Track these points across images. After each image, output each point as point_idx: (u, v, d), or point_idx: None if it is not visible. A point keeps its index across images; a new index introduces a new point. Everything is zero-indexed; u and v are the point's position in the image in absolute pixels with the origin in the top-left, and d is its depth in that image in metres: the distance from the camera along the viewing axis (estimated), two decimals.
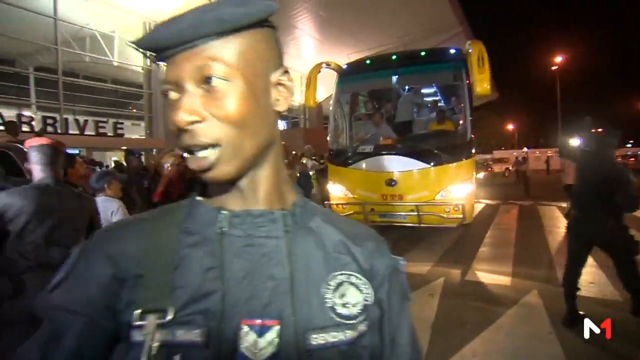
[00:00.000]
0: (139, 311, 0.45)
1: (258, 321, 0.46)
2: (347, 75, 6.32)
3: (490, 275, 4.44)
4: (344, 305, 0.51)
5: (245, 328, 0.46)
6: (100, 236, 0.52)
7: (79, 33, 11.06)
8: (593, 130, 3.50)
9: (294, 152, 7.52)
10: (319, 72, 6.04)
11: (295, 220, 0.54)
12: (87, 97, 11.84)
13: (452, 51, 5.91)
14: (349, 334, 0.50)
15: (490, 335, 2.98)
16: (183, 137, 0.46)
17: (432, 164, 5.20)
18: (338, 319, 0.50)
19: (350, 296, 0.52)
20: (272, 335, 0.46)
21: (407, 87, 7.07)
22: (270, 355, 0.46)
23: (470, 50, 5.18)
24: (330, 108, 6.49)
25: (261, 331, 0.46)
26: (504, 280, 4.27)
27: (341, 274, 0.53)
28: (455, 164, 5.18)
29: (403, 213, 5.28)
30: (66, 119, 10.16)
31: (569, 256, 3.25)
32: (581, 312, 3.09)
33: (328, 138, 6.28)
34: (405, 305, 0.59)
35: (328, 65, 6.22)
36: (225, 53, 0.46)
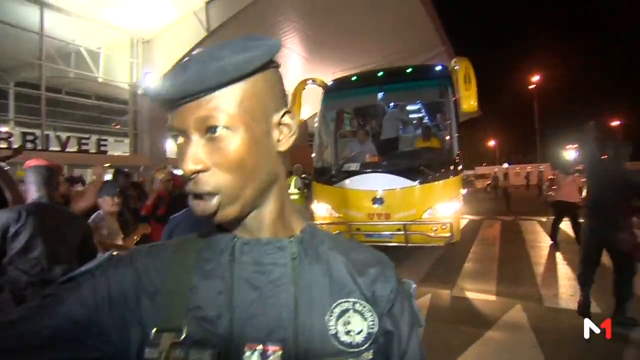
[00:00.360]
0: (154, 329, 0.49)
1: (261, 346, 0.49)
2: (333, 91, 6.24)
3: (475, 292, 4.51)
4: (347, 332, 0.52)
5: (249, 352, 0.48)
6: (133, 251, 0.57)
7: (64, 49, 10.98)
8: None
9: None
10: (304, 88, 5.98)
11: (303, 247, 0.56)
12: (69, 113, 11.68)
13: (438, 68, 5.92)
14: None
15: (477, 352, 3.03)
16: (189, 183, 0.50)
17: (418, 181, 5.10)
18: (341, 347, 0.51)
19: (355, 324, 0.53)
20: (269, 358, 0.49)
21: (392, 104, 6.97)
22: None
23: (456, 67, 5.17)
24: (315, 125, 6.38)
25: (264, 356, 0.48)
26: (489, 296, 4.34)
27: (346, 302, 0.54)
28: (442, 181, 5.09)
29: (390, 232, 5.14)
30: (47, 135, 9.97)
31: (584, 263, 3.40)
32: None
33: (313, 155, 6.14)
34: (415, 331, 0.59)
35: (313, 81, 6.18)
36: (227, 103, 0.48)
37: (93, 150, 10.60)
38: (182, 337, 0.48)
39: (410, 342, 0.57)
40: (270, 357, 0.48)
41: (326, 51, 14.07)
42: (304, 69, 14.34)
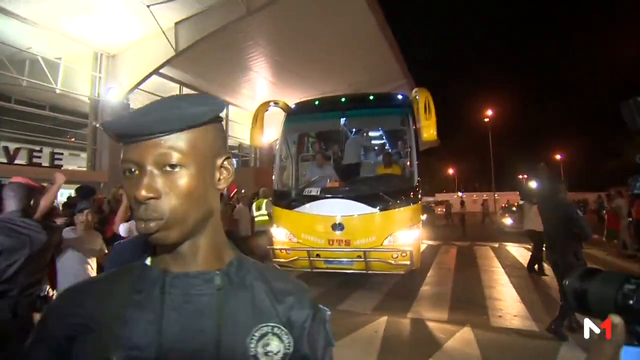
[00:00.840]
0: None
1: None
2: (295, 114, 6.19)
3: (430, 313, 4.70)
4: (266, 353, 0.59)
5: None
6: (62, 298, 0.63)
7: (17, 55, 10.49)
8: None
9: (242, 191, 7.49)
10: (267, 110, 5.91)
11: (229, 278, 0.63)
12: (20, 124, 11.04)
13: (400, 97, 6.04)
14: None
15: None
16: (139, 208, 0.56)
17: (379, 208, 5.05)
18: None
19: (273, 345, 0.60)
20: None
21: (354, 130, 6.95)
22: None
23: (417, 97, 5.22)
24: (277, 147, 6.32)
25: None
26: (442, 316, 4.53)
27: (266, 326, 0.61)
28: (402, 208, 5.06)
29: (349, 259, 5.07)
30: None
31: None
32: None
33: (273, 178, 6.06)
34: (328, 352, 0.67)
35: (276, 103, 6.13)
36: (182, 144, 0.56)
37: (46, 164, 10.00)
38: None
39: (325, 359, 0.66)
40: None
41: (293, 77, 14.43)
42: (271, 94, 14.58)
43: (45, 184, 2.67)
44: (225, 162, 0.63)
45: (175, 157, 0.56)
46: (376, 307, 4.93)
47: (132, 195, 0.56)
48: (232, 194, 7.34)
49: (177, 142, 0.56)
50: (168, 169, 0.56)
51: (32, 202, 2.20)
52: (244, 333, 0.60)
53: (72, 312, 0.59)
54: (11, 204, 2.09)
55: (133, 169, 0.57)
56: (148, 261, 0.64)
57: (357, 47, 13.23)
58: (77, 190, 4.89)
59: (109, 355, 0.54)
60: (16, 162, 9.58)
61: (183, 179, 0.57)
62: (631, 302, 0.50)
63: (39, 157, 9.95)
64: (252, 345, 0.59)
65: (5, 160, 9.39)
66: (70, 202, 5.48)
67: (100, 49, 11.49)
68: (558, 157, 45.79)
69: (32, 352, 0.59)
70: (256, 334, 0.60)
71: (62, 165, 10.44)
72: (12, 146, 9.85)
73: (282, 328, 0.62)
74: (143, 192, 0.54)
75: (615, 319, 0.50)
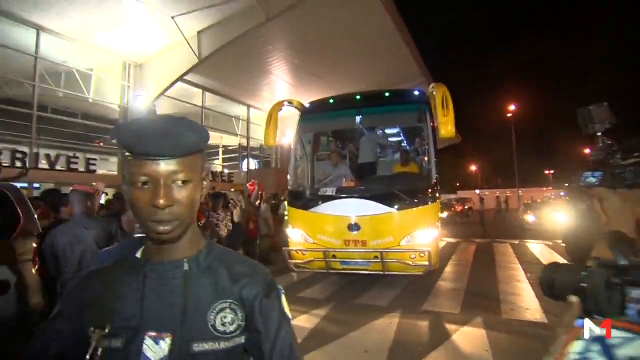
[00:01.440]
0: (92, 328, 0.74)
1: (155, 333, 0.72)
2: (310, 113, 6.13)
3: (444, 306, 4.91)
4: (222, 324, 0.75)
5: (148, 338, 0.72)
6: (77, 282, 0.83)
7: (54, 68, 11.27)
8: None
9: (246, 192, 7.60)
10: (280, 109, 5.85)
11: (197, 263, 0.80)
12: (58, 131, 11.85)
13: (416, 93, 5.89)
14: (224, 344, 0.74)
15: (438, 355, 3.40)
16: (157, 213, 0.71)
17: (396, 208, 4.94)
18: (216, 334, 0.74)
19: (228, 318, 0.76)
20: (166, 342, 0.72)
21: (370, 128, 6.67)
22: (164, 355, 0.71)
23: (434, 93, 5.08)
24: (292, 147, 6.28)
25: (157, 340, 0.72)
26: (454, 309, 4.74)
27: (224, 302, 0.77)
28: (420, 207, 4.93)
29: (366, 260, 5.01)
30: (36, 153, 10.12)
31: None
32: None
33: (288, 178, 5.99)
34: (284, 325, 0.80)
35: (290, 103, 6.07)
36: (189, 164, 0.73)
37: (82, 169, 10.72)
38: (106, 331, 0.73)
39: (279, 334, 0.79)
40: (161, 341, 0.72)
41: (312, 79, 14.73)
42: (291, 95, 14.90)
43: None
44: (206, 178, 0.82)
45: (185, 175, 0.73)
46: (392, 301, 5.16)
47: (151, 202, 0.71)
48: (261, 194, 7.57)
49: (186, 163, 0.73)
50: (179, 183, 0.73)
51: (89, 204, 2.64)
52: (205, 307, 0.76)
53: (82, 293, 0.79)
54: (76, 208, 2.59)
55: (145, 181, 0.71)
56: (138, 254, 0.82)
57: (375, 48, 13.40)
58: (114, 195, 5.43)
59: (104, 323, 0.73)
60: (57, 167, 10.32)
61: (189, 191, 0.74)
62: (584, 284, 0.66)
63: (76, 162, 10.66)
64: (212, 317, 0.75)
65: (47, 166, 10.14)
66: (108, 204, 5.98)
67: (128, 59, 12.18)
68: (587, 151, 44.26)
69: (55, 321, 0.79)
70: (216, 308, 0.76)
71: (95, 170, 11.14)
72: (49, 152, 10.62)
73: (237, 303, 0.78)
74: (163, 201, 0.70)
75: (573, 298, 0.67)
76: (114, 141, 0.74)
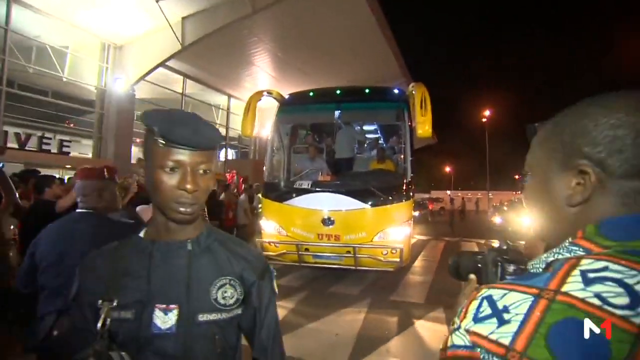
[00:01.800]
0: (100, 300, 0.80)
1: (164, 305, 0.80)
2: (289, 105, 6.08)
3: (411, 297, 5.23)
4: (223, 297, 0.85)
5: (157, 310, 0.80)
6: (89, 258, 0.89)
7: (25, 42, 10.78)
8: None
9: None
10: (259, 99, 5.82)
11: (198, 244, 0.88)
12: (27, 110, 11.36)
13: (396, 91, 5.92)
14: (224, 315, 0.84)
15: (402, 339, 3.69)
16: (183, 195, 0.80)
17: (370, 204, 4.99)
18: (218, 306, 0.84)
19: (229, 292, 0.86)
20: (173, 313, 0.80)
21: (348, 123, 6.65)
22: (172, 325, 0.80)
23: (413, 92, 5.16)
24: (269, 138, 6.21)
25: (166, 311, 0.80)
26: (420, 300, 5.06)
27: (224, 278, 0.86)
28: (394, 205, 5.00)
29: (339, 255, 5.05)
30: (5, 132, 9.72)
31: None
32: None
33: (264, 169, 5.98)
34: (272, 298, 0.93)
35: (269, 93, 6.04)
36: (212, 157, 0.83)
37: (54, 150, 10.39)
38: (115, 304, 0.79)
39: (269, 309, 0.92)
40: (169, 313, 0.80)
41: (295, 72, 14.76)
42: (272, 87, 14.84)
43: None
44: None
45: (206, 165, 0.82)
46: (362, 291, 5.44)
47: (180, 186, 0.79)
48: (241, 185, 7.63)
49: (210, 156, 0.83)
50: (202, 172, 0.82)
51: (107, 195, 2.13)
52: (207, 283, 0.84)
53: (90, 273, 0.85)
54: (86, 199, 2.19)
55: (173, 167, 0.79)
56: (142, 234, 0.90)
57: (358, 46, 13.58)
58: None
59: (113, 297, 0.79)
60: (27, 148, 9.96)
61: (208, 180, 0.84)
62: (479, 265, 0.84)
63: (49, 143, 10.32)
64: (213, 292, 0.84)
65: (16, 146, 9.77)
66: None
67: (108, 40, 11.80)
68: None
69: (71, 310, 0.88)
70: (217, 284, 0.85)
71: (69, 153, 10.82)
72: (18, 131, 10.21)
73: (237, 280, 0.87)
74: (190, 186, 0.79)
75: (472, 276, 0.84)
76: (145, 126, 0.81)
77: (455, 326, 0.51)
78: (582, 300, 0.43)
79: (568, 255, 0.51)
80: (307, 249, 5.09)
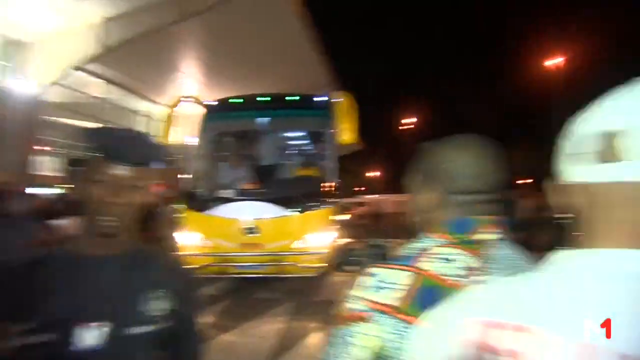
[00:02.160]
0: (11, 324, 0.77)
1: (92, 322, 0.79)
2: (213, 112, 6.02)
3: (331, 296, 5.61)
4: (153, 310, 0.85)
5: (83, 326, 0.78)
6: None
7: None
8: None
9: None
10: (176, 105, 5.81)
11: (131, 259, 0.88)
12: None
13: (321, 98, 5.98)
14: (152, 327, 0.84)
15: (324, 332, 4.12)
16: (109, 209, 0.82)
17: (293, 210, 4.97)
18: (148, 317, 0.85)
19: (155, 305, 0.86)
20: (102, 329, 0.79)
21: (273, 130, 6.61)
22: (102, 340, 0.78)
23: (338, 100, 5.35)
24: (192, 146, 6.10)
25: (94, 327, 0.79)
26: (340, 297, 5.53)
27: (155, 291, 0.87)
28: (317, 211, 5.01)
29: (262, 264, 4.98)
30: None
31: None
32: None
33: (185, 178, 5.83)
34: (197, 309, 0.99)
35: (188, 99, 6.00)
36: (143, 173, 0.86)
37: None
38: (33, 326, 0.75)
39: (193, 315, 0.98)
40: (98, 329, 0.79)
41: (223, 79, 14.68)
42: (200, 94, 14.66)
43: None
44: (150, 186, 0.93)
45: (138, 181, 0.85)
46: (287, 293, 5.67)
47: (106, 198, 0.81)
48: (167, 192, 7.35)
49: (142, 172, 0.86)
50: (130, 187, 0.83)
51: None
52: (136, 296, 0.85)
53: (33, 285, 0.80)
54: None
55: (103, 181, 0.80)
56: (71, 248, 0.88)
57: (288, 55, 13.99)
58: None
59: (29, 318, 0.76)
60: None
61: (139, 195, 0.86)
62: (372, 252, 1.35)
63: None
64: (143, 305, 0.85)
65: None
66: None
67: (10, 36, 10.65)
68: None
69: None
70: (148, 296, 0.86)
71: None
72: None
73: (165, 293, 0.89)
74: (117, 200, 0.82)
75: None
76: (85, 141, 0.85)
77: (350, 295, 0.68)
78: (432, 272, 0.64)
79: (425, 244, 0.72)
80: (229, 260, 4.98)
